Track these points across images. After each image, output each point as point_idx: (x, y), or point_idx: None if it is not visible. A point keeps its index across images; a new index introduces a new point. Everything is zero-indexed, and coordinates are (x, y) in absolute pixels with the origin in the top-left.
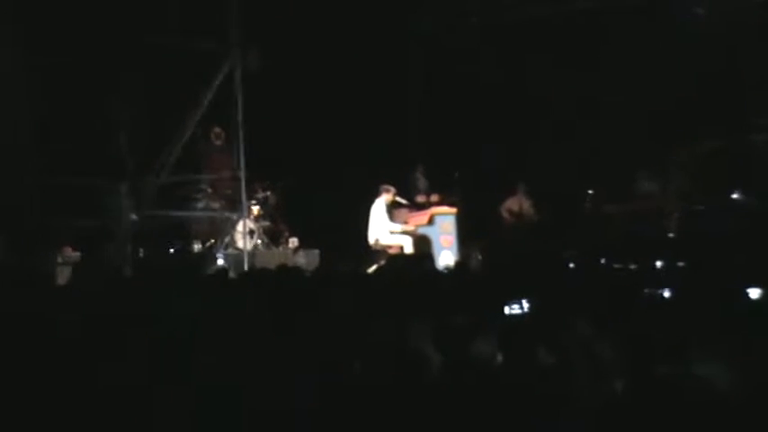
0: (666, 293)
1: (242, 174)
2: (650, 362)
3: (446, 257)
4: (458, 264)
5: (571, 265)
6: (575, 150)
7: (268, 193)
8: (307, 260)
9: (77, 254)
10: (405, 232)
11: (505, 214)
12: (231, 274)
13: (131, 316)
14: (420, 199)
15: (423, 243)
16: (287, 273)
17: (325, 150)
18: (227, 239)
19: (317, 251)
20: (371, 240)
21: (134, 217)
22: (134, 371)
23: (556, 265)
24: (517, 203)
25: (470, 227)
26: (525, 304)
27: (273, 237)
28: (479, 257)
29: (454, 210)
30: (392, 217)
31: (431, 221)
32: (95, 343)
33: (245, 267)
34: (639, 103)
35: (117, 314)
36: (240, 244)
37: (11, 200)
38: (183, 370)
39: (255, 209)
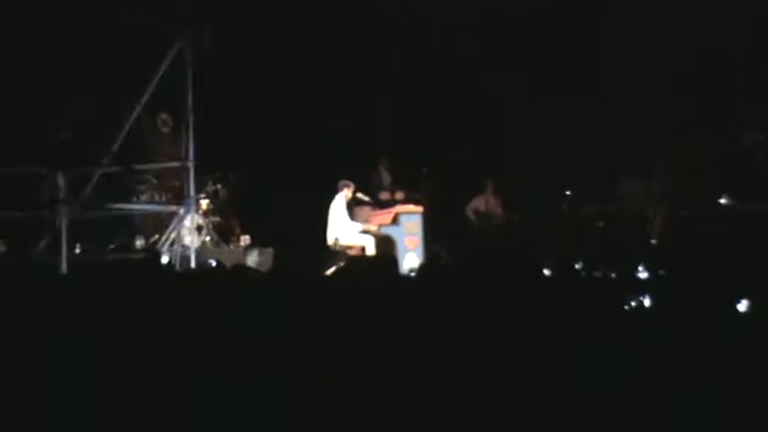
0: (647, 303)
1: (190, 164)
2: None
3: (411, 260)
4: (423, 267)
5: (545, 272)
6: (551, 146)
7: (219, 185)
8: (259, 260)
9: (4, 248)
10: (366, 232)
11: (471, 214)
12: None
13: (63, 318)
14: (384, 196)
15: (386, 244)
16: (239, 274)
17: (282, 141)
18: (173, 235)
19: (270, 250)
20: (330, 240)
21: (71, 209)
22: (64, 378)
23: (527, 271)
24: (483, 202)
25: (437, 227)
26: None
27: (223, 233)
28: (443, 257)
29: (420, 208)
30: (353, 215)
31: (395, 221)
32: (17, 347)
33: (192, 266)
34: (623, 96)
35: (45, 315)
36: (187, 240)
37: None
38: (118, 377)
39: (204, 203)
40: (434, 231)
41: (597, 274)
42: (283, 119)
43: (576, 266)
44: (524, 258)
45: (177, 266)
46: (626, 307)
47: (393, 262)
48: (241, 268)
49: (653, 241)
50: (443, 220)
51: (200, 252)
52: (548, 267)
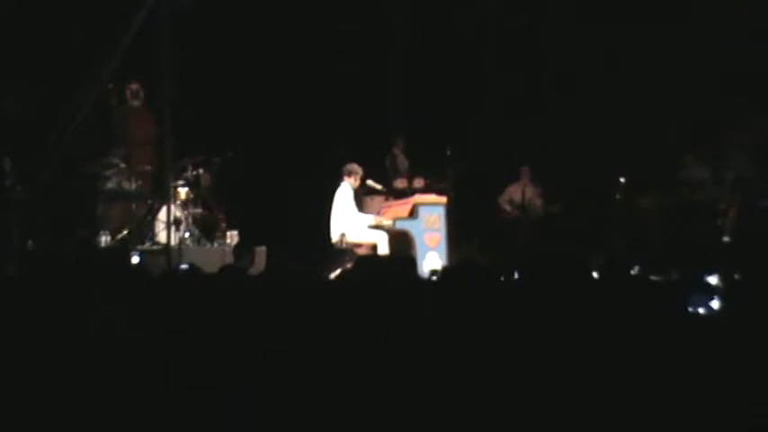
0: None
1: (167, 145)
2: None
3: (432, 261)
4: (447, 270)
5: (594, 275)
6: (601, 123)
7: (200, 171)
8: (249, 260)
9: None
10: (379, 227)
11: (506, 206)
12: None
13: (12, 325)
14: (399, 184)
15: (402, 241)
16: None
17: (277, 118)
18: (145, 231)
19: (263, 248)
20: (335, 237)
21: (23, 199)
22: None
23: (573, 274)
24: (520, 192)
25: (464, 222)
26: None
27: (206, 229)
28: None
29: (444, 199)
30: (363, 207)
31: (413, 214)
32: None
33: (169, 268)
34: (688, 65)
35: None
36: (162, 237)
37: None
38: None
39: (183, 191)
40: (460, 226)
41: (656, 277)
42: (279, 91)
43: (631, 268)
44: (568, 259)
45: (150, 268)
46: (690, 316)
47: (411, 263)
48: (229, 271)
49: (725, 238)
50: (471, 212)
51: (179, 251)
52: (596, 269)
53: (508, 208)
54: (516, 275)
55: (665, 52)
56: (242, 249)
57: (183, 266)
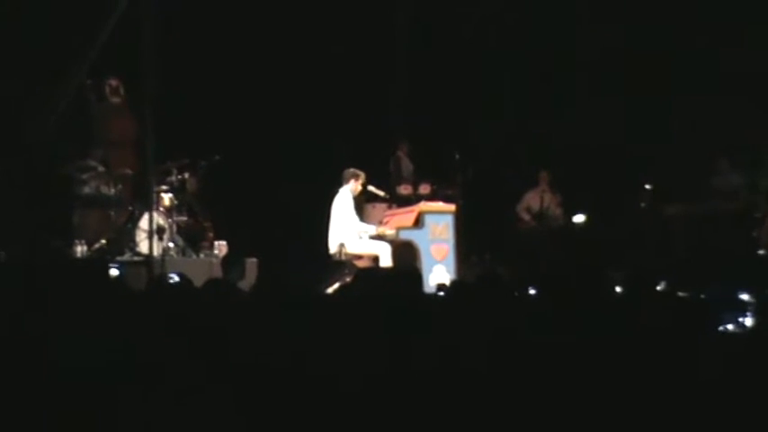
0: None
1: (149, 146)
2: None
3: (439, 274)
4: (456, 285)
5: (618, 290)
6: (626, 126)
7: (186, 175)
8: (239, 273)
9: None
10: (381, 237)
11: (523, 215)
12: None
13: None
14: (403, 190)
15: (406, 253)
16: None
17: (270, 118)
18: (124, 240)
19: (254, 260)
20: (333, 247)
21: None
22: None
23: (594, 290)
24: (538, 199)
25: (475, 232)
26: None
27: (192, 238)
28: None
29: (452, 207)
30: (363, 215)
31: (418, 223)
32: None
33: (151, 280)
34: (720, 61)
35: None
36: (144, 247)
37: None
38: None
39: (167, 197)
40: (470, 237)
41: (685, 293)
42: (272, 88)
43: (658, 283)
44: (590, 272)
45: (130, 282)
46: (720, 335)
47: (416, 277)
48: (216, 285)
49: (760, 251)
50: (482, 221)
51: (162, 263)
52: (619, 284)
53: (526, 216)
54: (533, 291)
55: (697, 48)
56: (231, 261)
57: (172, 275)
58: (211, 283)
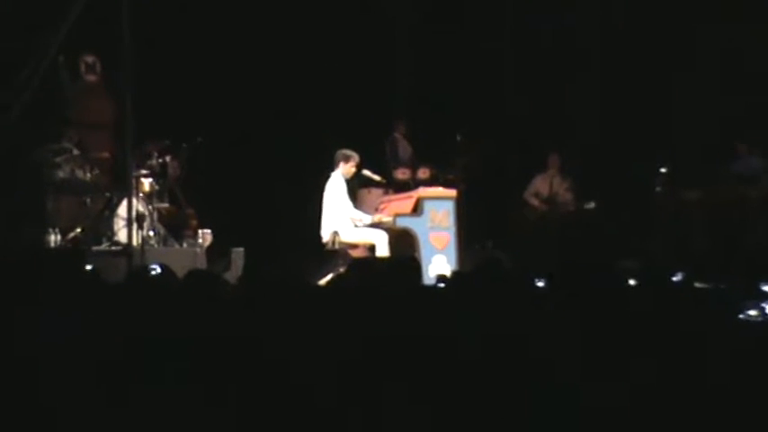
0: None
1: (128, 127)
2: None
3: (439, 265)
4: (457, 276)
5: (631, 283)
6: (640, 106)
7: (167, 158)
8: (225, 264)
9: None
10: (377, 225)
11: (532, 200)
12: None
13: None
14: (401, 174)
15: (404, 241)
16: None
17: (257, 96)
18: (101, 229)
19: (240, 250)
20: (325, 236)
21: None
22: None
23: (606, 281)
24: (547, 184)
25: (478, 219)
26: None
27: (174, 226)
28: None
29: (453, 192)
30: (358, 201)
31: (417, 209)
32: None
33: (129, 272)
34: (742, 38)
35: None
36: (123, 236)
37: None
38: None
39: (147, 183)
40: (473, 225)
41: (702, 284)
42: (258, 65)
43: (674, 275)
44: (601, 263)
45: (107, 274)
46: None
47: (414, 267)
48: (199, 276)
49: None
50: (486, 207)
51: (142, 253)
52: (632, 275)
53: (534, 202)
54: (541, 283)
55: (716, 24)
56: (216, 251)
57: (154, 267)
58: (194, 274)
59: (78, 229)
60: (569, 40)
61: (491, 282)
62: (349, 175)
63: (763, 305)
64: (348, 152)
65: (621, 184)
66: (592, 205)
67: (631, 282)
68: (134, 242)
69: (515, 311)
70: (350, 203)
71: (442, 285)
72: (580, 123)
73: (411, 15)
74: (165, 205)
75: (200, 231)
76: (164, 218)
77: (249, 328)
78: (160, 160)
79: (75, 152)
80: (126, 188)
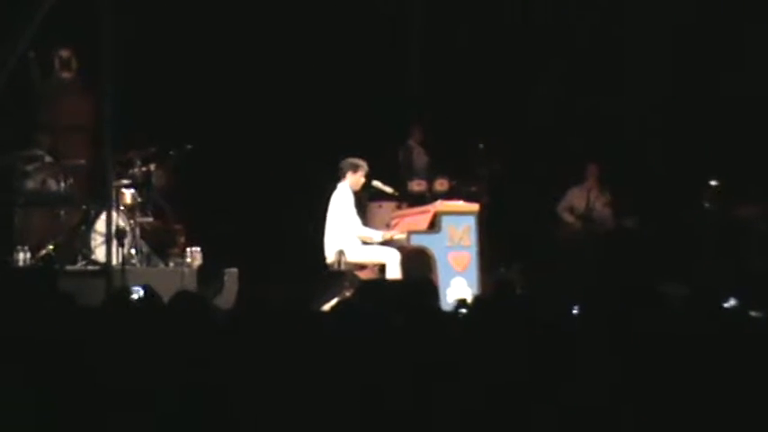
0: None
1: (107, 131)
2: None
3: (459, 289)
4: (479, 301)
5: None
6: (686, 110)
7: (152, 166)
8: (217, 287)
9: None
10: (388, 242)
11: (566, 216)
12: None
13: None
14: (416, 186)
15: (419, 262)
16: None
17: (254, 98)
18: (77, 246)
19: (234, 271)
20: (330, 255)
21: None
22: None
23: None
24: (584, 198)
25: (503, 237)
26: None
27: (160, 244)
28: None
29: (475, 206)
30: (367, 216)
31: (434, 226)
32: None
33: (109, 295)
34: None
35: None
36: (101, 254)
37: None
38: None
39: (129, 194)
40: (497, 243)
41: (759, 313)
42: (257, 61)
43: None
44: (644, 288)
45: (83, 297)
46: None
47: (430, 290)
48: (187, 300)
49: None
50: (512, 224)
51: (122, 273)
52: (679, 301)
53: (568, 218)
54: (576, 310)
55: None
56: (207, 272)
57: (136, 289)
58: (181, 297)
59: (50, 247)
60: (607, 35)
61: (500, 311)
62: (357, 187)
63: None
64: (357, 161)
65: (666, 199)
66: (633, 222)
67: (678, 309)
68: (114, 261)
69: (531, 351)
70: (358, 219)
71: (462, 312)
72: (620, 129)
73: (424, 9)
74: (150, 220)
75: (188, 249)
76: (147, 234)
77: (242, 363)
78: (144, 169)
79: (48, 159)
80: (105, 200)
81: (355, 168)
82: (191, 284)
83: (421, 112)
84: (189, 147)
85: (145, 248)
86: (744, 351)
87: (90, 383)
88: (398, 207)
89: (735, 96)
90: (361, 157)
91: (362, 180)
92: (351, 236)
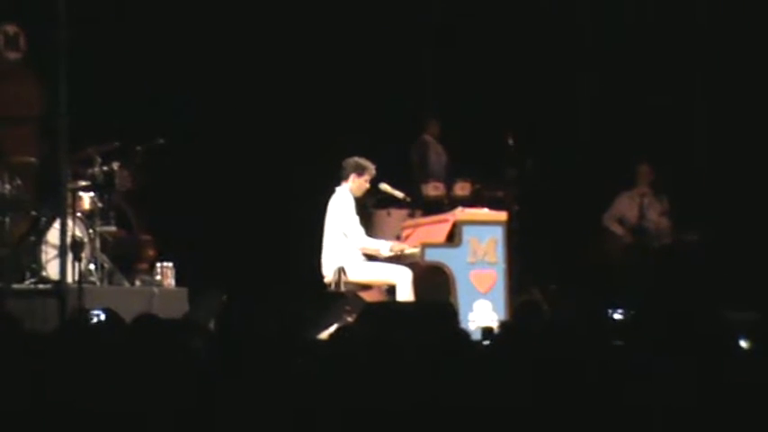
0: None
1: (61, 122)
2: None
3: (483, 313)
4: (507, 327)
5: (742, 344)
6: (755, 106)
7: (114, 165)
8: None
9: None
10: (398, 258)
11: (615, 227)
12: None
13: None
14: (432, 191)
15: (435, 282)
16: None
17: (237, 83)
18: (25, 260)
19: (214, 291)
20: (328, 273)
21: None
22: None
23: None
24: (635, 206)
25: (537, 252)
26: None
27: (124, 258)
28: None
29: (503, 215)
30: (372, 226)
31: (453, 238)
32: None
33: (63, 318)
34: None
35: None
36: (53, 270)
37: None
38: None
39: (88, 198)
40: (529, 259)
41: None
42: (241, 40)
43: None
44: (705, 314)
45: (32, 320)
46: None
47: (449, 314)
48: (151, 324)
49: None
50: (548, 237)
51: (80, 294)
52: (746, 330)
53: (617, 230)
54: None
55: None
56: (196, 291)
57: (96, 312)
58: (145, 321)
59: None
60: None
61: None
62: (361, 192)
63: None
64: (363, 162)
65: (734, 210)
66: (695, 235)
67: (744, 341)
68: (68, 279)
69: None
70: (361, 229)
71: (486, 342)
72: (679, 124)
73: None
74: (112, 229)
75: (158, 265)
76: (109, 246)
77: (221, 400)
78: (105, 168)
79: None
80: (58, 205)
81: (361, 170)
82: (160, 307)
83: (438, 102)
84: (160, 141)
85: (106, 263)
86: None
87: (40, 420)
88: (411, 215)
89: None
90: (367, 155)
91: (367, 185)
92: (352, 250)
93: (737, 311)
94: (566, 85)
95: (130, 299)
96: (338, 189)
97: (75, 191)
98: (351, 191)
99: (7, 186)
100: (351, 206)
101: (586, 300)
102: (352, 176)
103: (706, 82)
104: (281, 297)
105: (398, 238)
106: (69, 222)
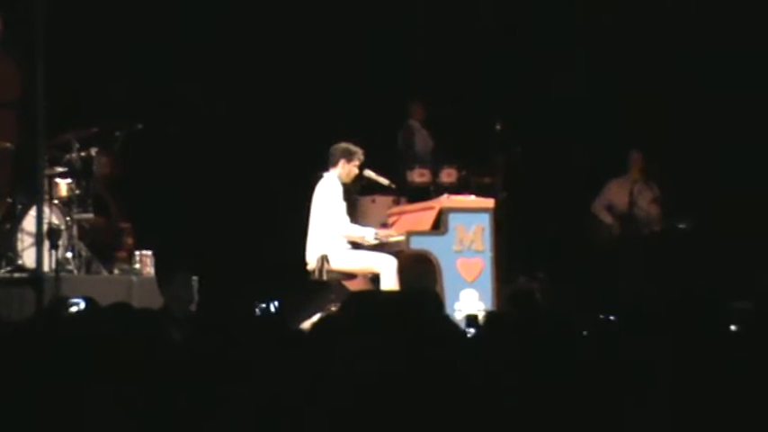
0: None
1: (38, 107)
2: None
3: (469, 302)
4: (492, 317)
5: (732, 329)
6: (750, 92)
7: (93, 151)
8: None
9: None
10: (382, 247)
11: (604, 215)
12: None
13: None
14: (417, 177)
15: (420, 270)
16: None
17: (219, 67)
18: (1, 248)
19: (193, 280)
20: (312, 261)
21: None
22: None
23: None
24: (626, 193)
25: (523, 240)
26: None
27: (103, 246)
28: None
29: (490, 202)
30: (357, 213)
31: (439, 225)
32: None
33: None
34: None
35: None
36: (30, 258)
37: None
38: None
39: (64, 184)
40: (517, 247)
41: None
42: (223, 22)
43: None
44: (699, 302)
45: (8, 309)
46: None
47: (434, 303)
48: (128, 312)
49: None
50: (536, 224)
51: (56, 282)
52: (739, 318)
53: (608, 218)
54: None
55: None
56: (167, 270)
57: (75, 301)
58: (118, 309)
59: None
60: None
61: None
62: (349, 179)
63: None
64: (351, 147)
65: (727, 196)
66: (686, 223)
67: (736, 327)
68: (45, 267)
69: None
70: (346, 216)
71: (472, 331)
72: (674, 109)
73: None
74: (90, 216)
75: (137, 253)
76: (87, 234)
77: (198, 391)
78: (83, 154)
79: None
80: (34, 192)
81: (350, 156)
82: (140, 297)
83: (423, 87)
84: (139, 126)
85: (84, 252)
86: None
87: (18, 416)
88: (396, 202)
89: None
90: (353, 141)
91: (356, 171)
92: (337, 237)
93: (729, 300)
94: (555, 70)
95: (109, 287)
96: (326, 175)
97: (52, 177)
98: (339, 177)
99: None
100: (338, 192)
101: (576, 288)
102: (342, 162)
103: (699, 68)
104: (264, 285)
105: (384, 225)
106: (46, 209)
